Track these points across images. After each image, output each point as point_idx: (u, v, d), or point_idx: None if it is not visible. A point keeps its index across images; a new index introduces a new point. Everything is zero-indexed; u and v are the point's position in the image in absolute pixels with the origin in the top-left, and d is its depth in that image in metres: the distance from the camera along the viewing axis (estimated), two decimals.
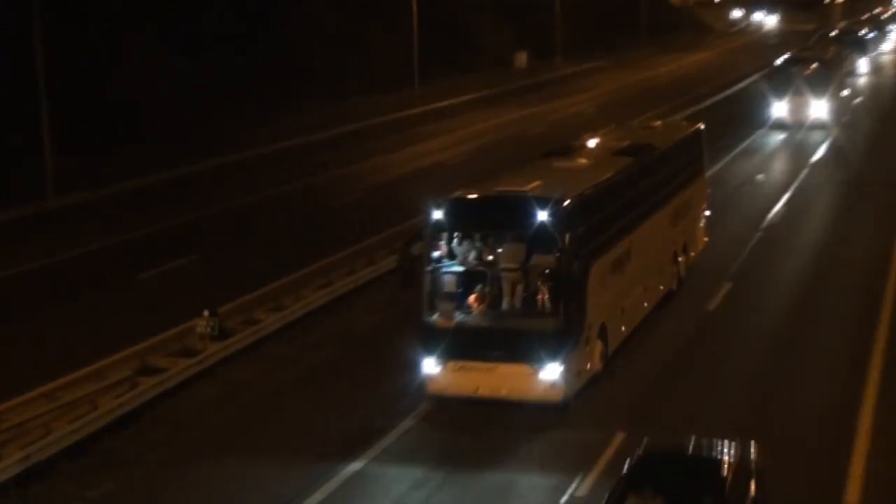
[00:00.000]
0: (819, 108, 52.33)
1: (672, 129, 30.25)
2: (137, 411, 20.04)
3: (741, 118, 54.28)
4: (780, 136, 50.79)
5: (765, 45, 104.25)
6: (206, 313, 22.62)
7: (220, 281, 27.94)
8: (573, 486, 17.14)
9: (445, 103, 62.98)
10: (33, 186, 38.86)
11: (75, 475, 17.95)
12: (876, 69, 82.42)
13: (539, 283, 19.61)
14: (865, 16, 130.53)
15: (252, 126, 52.57)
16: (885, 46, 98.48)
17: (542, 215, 19.24)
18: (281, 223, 35.61)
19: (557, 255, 19.32)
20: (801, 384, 21.44)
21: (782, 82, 53.65)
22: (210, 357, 22.23)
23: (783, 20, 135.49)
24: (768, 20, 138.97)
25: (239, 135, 50.47)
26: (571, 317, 19.54)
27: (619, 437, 18.77)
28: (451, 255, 20.18)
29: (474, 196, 20.96)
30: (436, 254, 20.01)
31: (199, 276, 29.14)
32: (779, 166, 45.19)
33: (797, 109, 52.33)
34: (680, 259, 26.92)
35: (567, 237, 19.30)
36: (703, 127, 30.29)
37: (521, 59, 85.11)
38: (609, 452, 18.25)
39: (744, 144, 48.18)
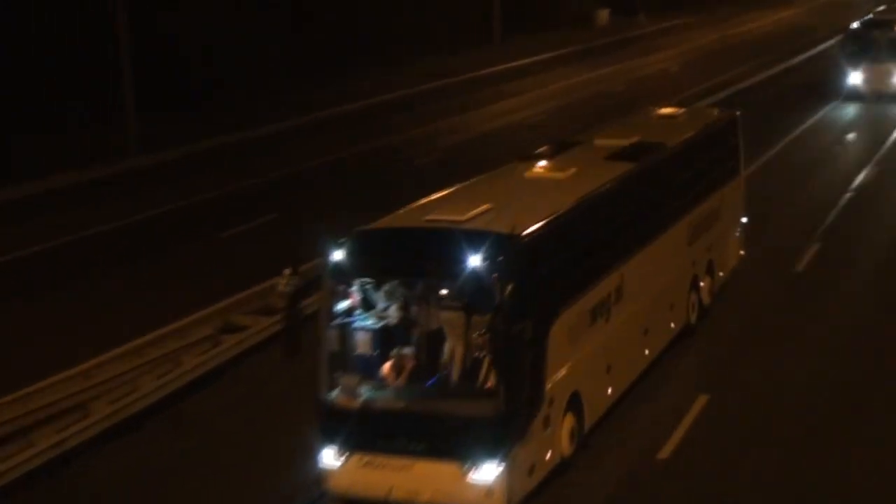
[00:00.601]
0: None
1: (696, 120, 24.18)
2: (220, 369, 20.27)
3: (819, 83, 51.99)
4: (857, 108, 47.13)
5: (854, 2, 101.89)
6: (286, 272, 22.73)
7: (302, 239, 28.04)
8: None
9: (526, 61, 62.53)
10: (116, 146, 39.41)
11: (156, 433, 18.24)
12: None
13: (474, 350, 14.93)
14: None
15: (332, 86, 52.70)
16: None
17: (476, 259, 14.44)
18: (362, 182, 35.64)
19: (495, 313, 14.49)
20: (894, 346, 20.99)
21: (860, 48, 47.92)
22: None
23: None
24: None
25: (318, 95, 50.62)
26: (518, 395, 14.62)
27: (701, 400, 18.59)
28: (361, 307, 15.72)
29: (389, 229, 16.21)
30: (339, 306, 15.46)
31: (281, 235, 29.29)
32: (865, 132, 44.11)
33: (877, 78, 47.09)
34: (702, 284, 21.96)
35: (510, 289, 14.43)
36: (738, 115, 24.95)
37: (603, 16, 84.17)
38: (692, 416, 18.08)
39: (820, 113, 46.90)
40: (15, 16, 41.71)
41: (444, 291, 15.25)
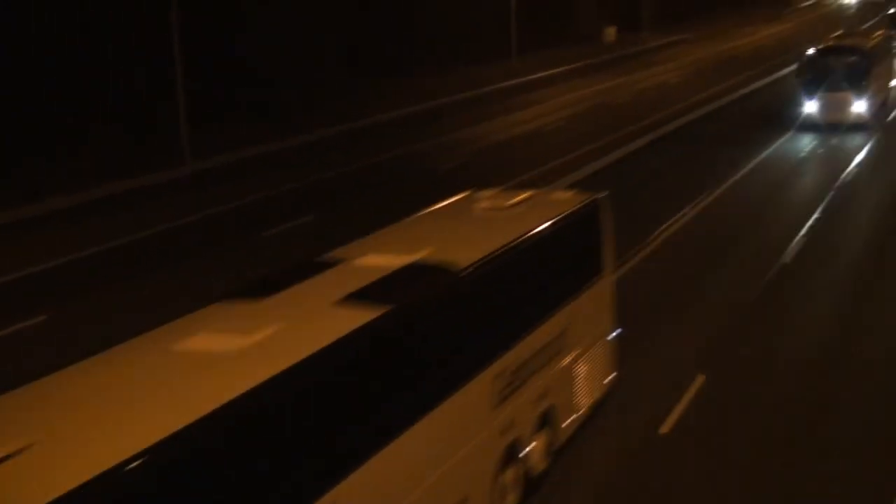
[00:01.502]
0: (859, 105, 41.80)
1: (532, 214, 15.65)
2: None
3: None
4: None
5: (842, 17, 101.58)
6: None
7: (338, 238, 28.21)
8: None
9: (541, 75, 62.94)
10: (170, 152, 39.80)
11: None
12: None
13: None
14: None
15: (358, 98, 53.07)
16: None
17: None
18: (392, 186, 35.89)
19: None
20: (878, 332, 20.85)
21: (816, 75, 42.40)
22: None
23: None
24: None
25: (344, 107, 50.97)
26: None
27: (699, 379, 18.53)
28: None
29: None
30: None
31: (318, 235, 29.52)
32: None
33: (833, 107, 41.94)
34: (529, 448, 14.39)
35: None
36: (600, 199, 17.12)
37: (611, 33, 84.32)
38: (690, 393, 17.99)
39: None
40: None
41: None
